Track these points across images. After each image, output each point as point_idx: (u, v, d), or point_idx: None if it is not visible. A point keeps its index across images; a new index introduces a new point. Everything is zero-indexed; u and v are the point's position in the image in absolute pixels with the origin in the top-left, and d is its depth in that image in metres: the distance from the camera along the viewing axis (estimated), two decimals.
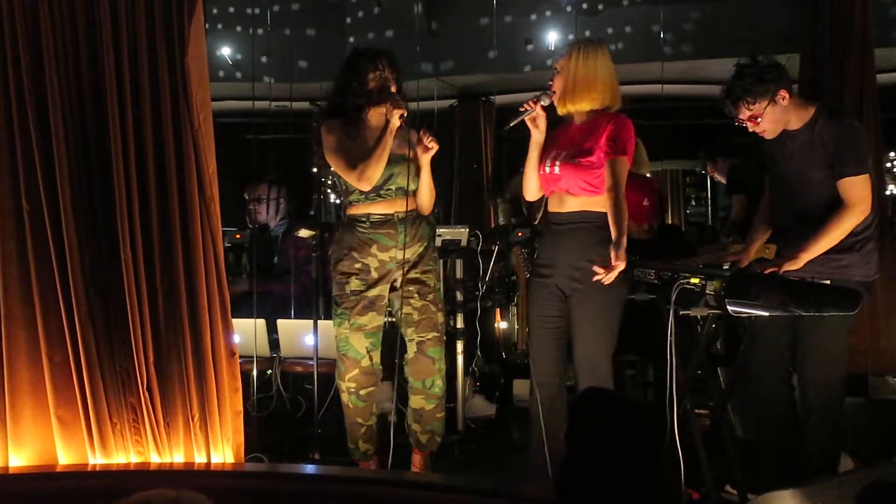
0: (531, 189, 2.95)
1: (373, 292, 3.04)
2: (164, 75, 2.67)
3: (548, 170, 2.87)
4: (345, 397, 3.09)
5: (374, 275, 3.04)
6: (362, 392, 3.06)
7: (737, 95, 2.72)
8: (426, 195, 3.12)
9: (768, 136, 2.80)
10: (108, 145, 2.68)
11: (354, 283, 3.04)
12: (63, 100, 2.67)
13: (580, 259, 2.79)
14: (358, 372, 3.04)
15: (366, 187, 3.01)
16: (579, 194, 2.83)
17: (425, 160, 3.08)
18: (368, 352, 3.05)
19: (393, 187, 3.05)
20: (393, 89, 3.05)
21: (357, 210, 3.09)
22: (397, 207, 3.07)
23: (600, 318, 2.80)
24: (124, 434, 2.70)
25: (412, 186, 3.09)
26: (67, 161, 2.67)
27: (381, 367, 3.14)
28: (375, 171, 2.98)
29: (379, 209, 3.06)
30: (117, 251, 2.67)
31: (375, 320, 3.05)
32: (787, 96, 2.72)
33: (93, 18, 2.68)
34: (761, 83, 2.69)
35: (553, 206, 2.89)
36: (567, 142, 2.88)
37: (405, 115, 2.97)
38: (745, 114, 2.74)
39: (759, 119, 2.72)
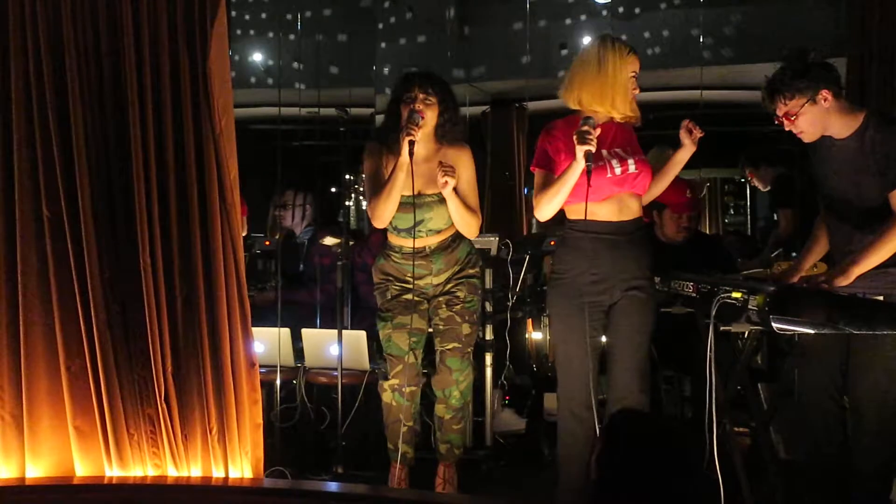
0: (555, 207, 2.69)
1: (410, 295, 3.06)
2: (186, 79, 2.63)
3: (619, 170, 2.66)
4: (387, 396, 3.05)
5: (410, 286, 3.07)
6: (406, 390, 3.03)
7: (775, 88, 2.58)
8: (464, 225, 3.00)
9: (806, 138, 2.64)
10: (128, 151, 2.65)
11: (393, 289, 3.07)
12: (84, 105, 2.64)
13: (642, 268, 2.72)
14: (402, 368, 3.02)
15: (378, 225, 3.01)
16: (643, 194, 2.75)
17: (446, 194, 2.93)
18: (411, 349, 3.02)
19: (424, 230, 3.01)
20: (432, 112, 2.93)
21: (393, 239, 3.09)
22: (430, 242, 3.03)
23: (648, 328, 2.73)
24: (141, 446, 2.65)
25: (445, 227, 3.02)
26: (88, 168, 2.64)
27: (422, 370, 3.11)
28: (383, 211, 2.94)
29: (411, 244, 3.02)
30: (136, 258, 2.63)
31: (418, 322, 3.05)
32: (831, 98, 2.55)
33: (114, 23, 2.65)
34: (802, 79, 2.54)
35: (608, 215, 2.68)
36: (619, 138, 2.73)
37: (414, 140, 2.81)
38: (780, 109, 2.59)
39: (794, 117, 2.57)
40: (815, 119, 2.57)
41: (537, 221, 5.69)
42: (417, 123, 2.85)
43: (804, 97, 2.54)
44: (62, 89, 2.64)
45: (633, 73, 2.71)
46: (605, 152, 2.68)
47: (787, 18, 5.13)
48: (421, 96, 2.92)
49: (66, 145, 2.64)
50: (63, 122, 2.64)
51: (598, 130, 2.58)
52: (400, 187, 2.90)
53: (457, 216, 2.97)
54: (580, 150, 2.52)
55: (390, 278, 3.09)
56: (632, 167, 2.69)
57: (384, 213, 2.95)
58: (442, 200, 2.97)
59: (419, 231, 3.00)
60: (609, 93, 2.68)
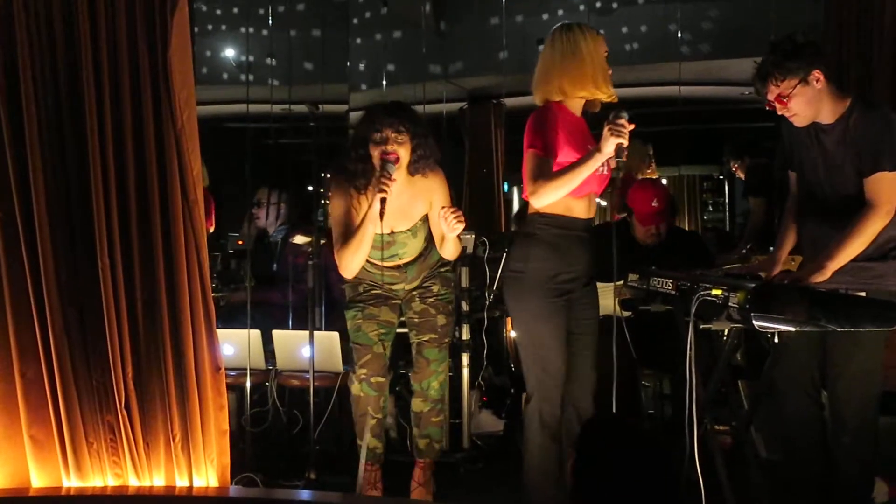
0: (560, 196, 2.55)
1: (382, 290, 3.04)
2: (145, 71, 2.52)
3: (603, 168, 2.59)
4: (356, 388, 2.98)
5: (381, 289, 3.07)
6: (373, 380, 2.96)
7: (766, 71, 2.52)
8: (450, 253, 2.97)
9: (798, 122, 2.58)
10: (85, 147, 2.54)
11: (365, 284, 3.04)
12: (37, 99, 2.53)
13: (592, 266, 2.71)
14: (369, 358, 2.96)
15: (347, 276, 2.95)
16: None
17: (452, 237, 2.85)
18: (380, 340, 2.98)
19: (398, 260, 3.00)
20: (405, 150, 2.80)
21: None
22: (403, 261, 3.03)
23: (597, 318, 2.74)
24: (101, 455, 2.55)
25: (417, 253, 3.00)
26: (42, 164, 2.53)
27: (388, 362, 3.04)
28: (351, 262, 2.87)
29: (385, 262, 3.01)
30: (94, 259, 2.52)
31: (388, 314, 3.01)
32: (822, 79, 2.51)
33: (69, 12, 2.54)
34: (793, 60, 2.49)
35: (582, 212, 2.64)
36: (591, 136, 2.68)
37: (387, 198, 2.70)
38: (772, 92, 2.53)
39: (787, 99, 2.51)
40: (808, 100, 2.52)
41: (515, 218, 5.62)
42: (391, 175, 2.73)
43: (796, 78, 2.50)
44: (13, 81, 2.52)
45: (605, 53, 2.66)
46: (590, 147, 2.60)
47: (764, 13, 5.10)
48: (392, 136, 2.78)
49: (19, 141, 2.53)
50: (14, 115, 2.53)
51: (632, 126, 2.48)
52: (370, 241, 2.82)
53: (449, 248, 2.93)
54: (611, 143, 2.44)
55: (363, 281, 3.05)
56: (607, 168, 2.63)
57: (352, 265, 2.88)
58: (414, 234, 2.95)
59: (393, 259, 2.99)
60: (591, 74, 2.60)
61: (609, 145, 2.44)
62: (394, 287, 3.04)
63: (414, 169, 2.87)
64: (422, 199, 2.93)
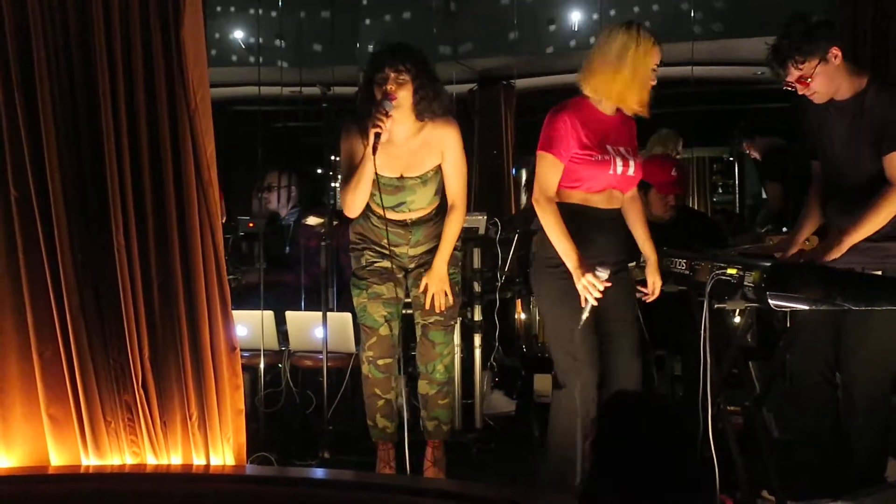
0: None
1: (386, 263, 2.98)
2: (158, 52, 2.52)
3: (620, 169, 2.61)
4: (365, 368, 3.00)
5: (387, 252, 3.01)
6: (380, 362, 2.97)
7: (785, 55, 2.51)
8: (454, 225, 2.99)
9: (818, 98, 2.57)
10: (99, 127, 2.54)
11: (368, 256, 2.99)
12: (52, 80, 2.53)
13: (624, 252, 2.72)
14: (375, 340, 2.96)
15: (350, 215, 2.95)
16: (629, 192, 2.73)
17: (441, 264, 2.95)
18: (386, 321, 2.96)
19: (406, 210, 2.96)
20: (406, 91, 2.78)
21: (374, 204, 2.98)
22: (411, 216, 2.98)
23: (636, 308, 2.73)
24: (119, 434, 2.57)
25: (427, 205, 2.96)
26: (57, 145, 2.54)
27: (398, 339, 3.05)
28: (353, 201, 2.87)
29: (390, 215, 2.95)
30: (110, 239, 2.53)
31: (392, 291, 2.97)
32: (840, 55, 2.50)
33: None
34: (811, 40, 2.48)
35: (599, 203, 2.64)
36: (623, 137, 2.68)
37: (380, 132, 2.71)
38: (793, 75, 2.52)
39: (809, 80, 2.50)
40: (829, 78, 2.52)
41: (527, 198, 5.60)
42: (387, 112, 2.73)
43: (816, 58, 2.49)
44: (28, 63, 2.52)
45: (654, 67, 2.60)
46: (609, 147, 2.62)
47: None
48: (392, 76, 2.77)
49: (34, 121, 2.53)
50: (29, 96, 2.53)
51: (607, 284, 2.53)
52: (369, 179, 2.81)
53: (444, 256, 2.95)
54: (580, 287, 2.53)
55: (366, 241, 3.01)
56: (631, 170, 2.65)
57: (353, 204, 2.88)
58: (424, 182, 2.92)
59: (401, 209, 2.94)
60: (623, 90, 2.58)
61: (578, 285, 2.53)
62: (397, 250, 2.98)
63: (419, 112, 2.83)
64: (433, 148, 2.90)
